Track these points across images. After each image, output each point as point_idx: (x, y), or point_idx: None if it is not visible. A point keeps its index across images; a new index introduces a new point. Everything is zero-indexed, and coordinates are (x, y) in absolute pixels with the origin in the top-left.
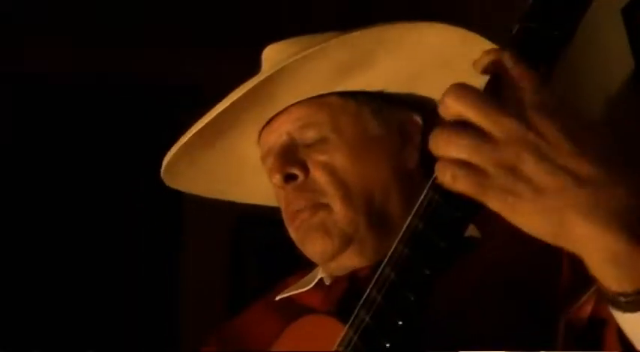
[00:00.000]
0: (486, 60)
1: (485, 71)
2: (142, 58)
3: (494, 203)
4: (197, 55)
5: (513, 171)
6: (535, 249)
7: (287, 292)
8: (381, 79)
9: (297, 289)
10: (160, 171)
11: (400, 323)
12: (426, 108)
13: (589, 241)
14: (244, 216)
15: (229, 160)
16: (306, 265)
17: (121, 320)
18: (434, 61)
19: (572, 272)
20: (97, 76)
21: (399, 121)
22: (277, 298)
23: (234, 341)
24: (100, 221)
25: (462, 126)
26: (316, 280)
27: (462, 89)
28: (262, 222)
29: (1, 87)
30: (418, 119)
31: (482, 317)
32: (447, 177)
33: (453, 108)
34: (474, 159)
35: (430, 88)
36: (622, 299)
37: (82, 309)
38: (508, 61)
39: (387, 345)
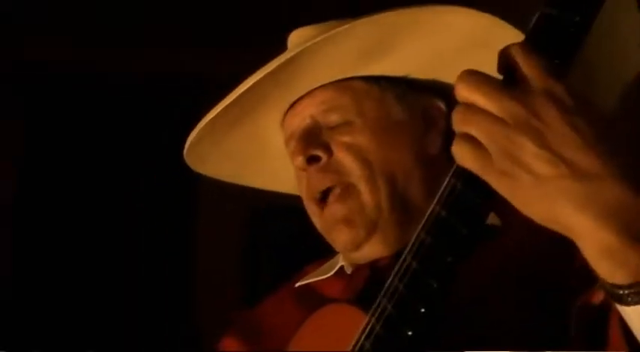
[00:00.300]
0: (501, 57)
1: (500, 68)
2: (143, 58)
3: (495, 184)
4: (198, 55)
5: (514, 155)
6: (551, 236)
7: (307, 279)
8: (405, 64)
9: (317, 276)
10: (171, 165)
11: (423, 310)
12: (449, 94)
13: (582, 232)
14: (258, 207)
15: (252, 143)
16: (321, 255)
17: (135, 313)
18: (459, 46)
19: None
20: (97, 75)
21: (423, 107)
22: (297, 285)
23: (255, 330)
24: (114, 215)
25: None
26: (337, 268)
27: (471, 74)
28: (276, 213)
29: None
30: (442, 105)
31: (501, 304)
32: (457, 151)
33: (462, 92)
34: (482, 138)
35: (454, 73)
36: (618, 291)
37: (96, 303)
38: (518, 53)
39: (410, 333)
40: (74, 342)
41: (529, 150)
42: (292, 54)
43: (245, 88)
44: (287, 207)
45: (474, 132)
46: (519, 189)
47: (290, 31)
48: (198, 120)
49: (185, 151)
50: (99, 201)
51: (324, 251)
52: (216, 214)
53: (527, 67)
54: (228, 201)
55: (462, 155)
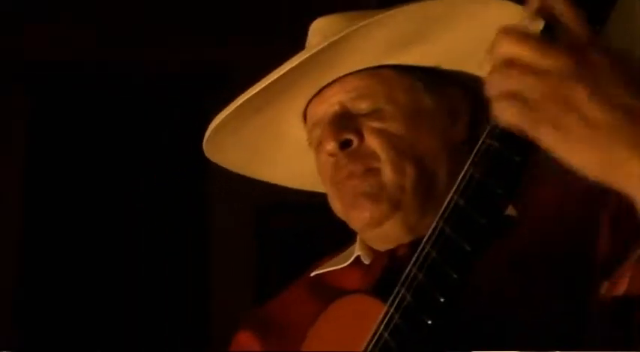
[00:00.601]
0: (537, 3)
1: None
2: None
3: (545, 137)
4: (222, 45)
5: (565, 104)
6: (569, 225)
7: (322, 268)
8: (435, 55)
9: (332, 266)
10: (181, 163)
11: (442, 300)
12: (473, 86)
13: (639, 179)
14: (267, 204)
15: (269, 134)
16: (330, 251)
17: (146, 312)
18: (491, 39)
19: (609, 248)
20: (116, 64)
21: (450, 98)
22: (312, 274)
23: (270, 324)
24: (124, 214)
25: (517, 62)
26: (353, 258)
27: (513, 29)
28: (286, 210)
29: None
30: (468, 97)
31: (519, 295)
32: (500, 110)
33: (505, 46)
34: (526, 92)
35: (482, 67)
36: None
37: (107, 301)
38: (559, 3)
39: (429, 322)
40: (82, 338)
41: (580, 98)
42: (331, 40)
43: (279, 74)
44: (296, 205)
45: (517, 86)
46: (570, 138)
47: (308, 24)
48: (210, 116)
49: (205, 139)
50: (109, 198)
51: (332, 249)
52: (226, 210)
53: (569, 18)
54: (237, 198)
55: (506, 112)
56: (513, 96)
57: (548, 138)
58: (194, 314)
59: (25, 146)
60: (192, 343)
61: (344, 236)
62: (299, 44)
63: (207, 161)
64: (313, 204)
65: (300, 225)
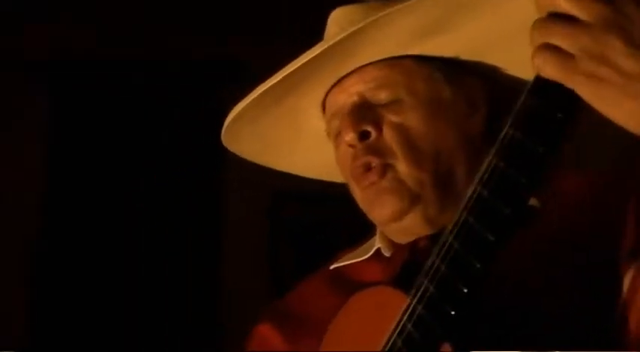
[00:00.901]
0: None
1: None
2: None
3: (581, 88)
4: (236, 39)
5: (602, 56)
6: (595, 215)
7: (342, 261)
8: (456, 45)
9: (352, 259)
10: (198, 151)
11: (465, 290)
12: (492, 77)
13: None
14: (281, 193)
15: (287, 124)
16: (344, 240)
17: (160, 297)
18: (514, 30)
19: (635, 237)
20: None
21: (469, 89)
22: (332, 267)
23: (289, 316)
24: (141, 201)
25: (560, 16)
26: (373, 250)
27: None
28: (299, 199)
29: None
30: (486, 88)
31: (543, 285)
32: (539, 61)
33: (544, 0)
34: (564, 44)
35: (502, 57)
36: None
37: (120, 292)
38: None
39: (453, 313)
40: (93, 320)
41: (618, 49)
42: (352, 30)
43: (300, 63)
44: (310, 194)
45: (556, 38)
46: (607, 90)
47: (321, 18)
48: (225, 107)
49: (223, 128)
50: (125, 187)
51: (345, 239)
52: (241, 199)
53: None
54: (252, 186)
55: (545, 63)
56: (553, 48)
57: (585, 90)
58: (206, 302)
59: (45, 140)
60: (203, 330)
61: (357, 226)
62: (313, 38)
63: (222, 151)
64: (327, 193)
65: (314, 214)
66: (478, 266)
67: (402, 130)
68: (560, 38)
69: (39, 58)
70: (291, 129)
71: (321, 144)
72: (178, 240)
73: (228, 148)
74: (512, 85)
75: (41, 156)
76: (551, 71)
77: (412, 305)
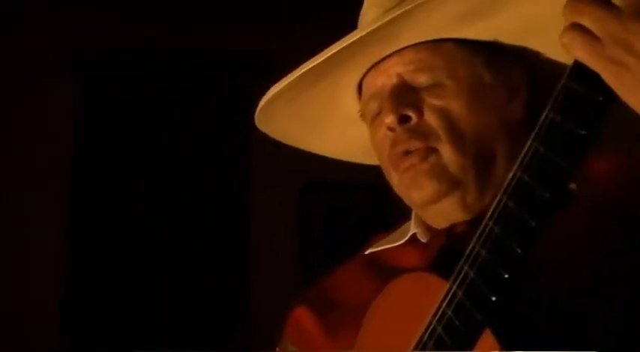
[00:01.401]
0: None
1: None
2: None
3: (605, 72)
4: (267, 31)
5: (628, 43)
6: (631, 197)
7: (378, 246)
8: (497, 29)
9: (388, 244)
10: (227, 141)
11: (506, 276)
12: (532, 62)
13: None
14: (311, 181)
15: (323, 105)
16: (373, 228)
17: (189, 287)
18: (553, 14)
19: None
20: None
21: (509, 74)
22: (367, 251)
23: (325, 301)
24: (170, 190)
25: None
26: (409, 235)
27: None
28: (329, 187)
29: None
30: (525, 73)
31: (578, 270)
32: (567, 40)
33: None
34: (594, 27)
35: (542, 42)
36: None
37: (151, 282)
38: None
39: (494, 299)
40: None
41: None
42: (396, 14)
43: (340, 47)
44: (339, 183)
45: (586, 20)
46: (629, 76)
47: (359, 4)
48: (255, 97)
49: (258, 109)
50: (154, 177)
51: (372, 227)
52: (270, 187)
53: None
54: (282, 173)
55: (573, 43)
56: (582, 29)
57: (608, 75)
58: (235, 294)
59: (72, 132)
60: (234, 318)
61: (383, 214)
62: (340, 32)
63: (252, 140)
64: (355, 182)
65: (342, 202)
66: (519, 251)
67: (444, 114)
68: (589, 20)
69: (67, 47)
70: (325, 109)
71: (353, 125)
72: (208, 229)
73: (261, 129)
74: (552, 69)
75: (68, 146)
76: (578, 52)
77: (452, 291)
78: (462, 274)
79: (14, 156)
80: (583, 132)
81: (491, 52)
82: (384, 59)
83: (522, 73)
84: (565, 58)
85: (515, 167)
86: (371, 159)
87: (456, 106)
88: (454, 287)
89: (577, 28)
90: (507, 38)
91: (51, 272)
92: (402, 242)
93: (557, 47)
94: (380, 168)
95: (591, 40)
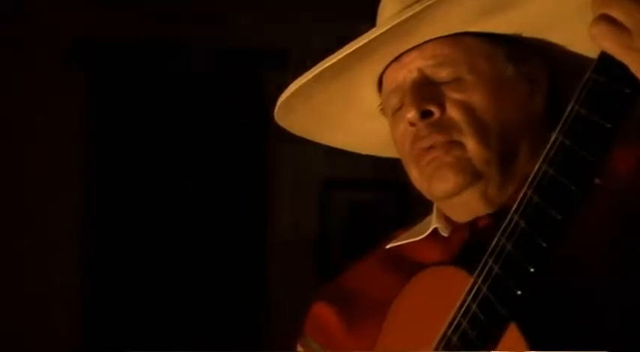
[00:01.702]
0: None
1: None
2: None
3: (633, 64)
4: (284, 20)
5: None
6: None
7: (399, 240)
8: (518, 23)
9: (409, 238)
10: (246, 134)
11: (532, 270)
12: (553, 56)
13: None
14: (332, 179)
15: (342, 98)
16: (394, 226)
17: (208, 279)
18: (575, 7)
19: None
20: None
21: (530, 68)
22: (388, 246)
23: (345, 296)
24: (186, 187)
25: None
26: (430, 230)
27: None
28: (349, 185)
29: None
30: (547, 67)
31: (602, 265)
32: (596, 31)
33: None
34: (623, 19)
35: (564, 35)
36: None
37: (171, 279)
38: None
39: (519, 293)
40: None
41: None
42: (419, 9)
43: (362, 43)
44: (359, 179)
45: (614, 11)
46: None
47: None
48: (270, 94)
49: (277, 104)
50: (170, 173)
51: (396, 225)
52: (290, 185)
53: None
54: (302, 172)
55: (601, 34)
56: (610, 20)
57: (636, 67)
58: (254, 292)
59: (86, 125)
60: (251, 314)
61: (404, 212)
62: (359, 25)
63: (270, 135)
64: (376, 180)
65: (363, 200)
66: (544, 245)
67: (467, 108)
68: (619, 11)
69: (78, 41)
70: (345, 103)
71: (373, 119)
72: (227, 227)
73: (280, 123)
74: (573, 63)
75: (83, 140)
76: (606, 43)
77: (477, 285)
78: (487, 268)
79: (26, 153)
80: (609, 125)
81: (512, 46)
82: (403, 53)
83: (544, 67)
84: (586, 51)
85: (540, 160)
86: (391, 152)
87: (478, 100)
88: (479, 281)
89: (606, 19)
90: (528, 31)
91: (69, 279)
92: (423, 236)
93: (578, 40)
94: (400, 166)
95: (620, 31)
